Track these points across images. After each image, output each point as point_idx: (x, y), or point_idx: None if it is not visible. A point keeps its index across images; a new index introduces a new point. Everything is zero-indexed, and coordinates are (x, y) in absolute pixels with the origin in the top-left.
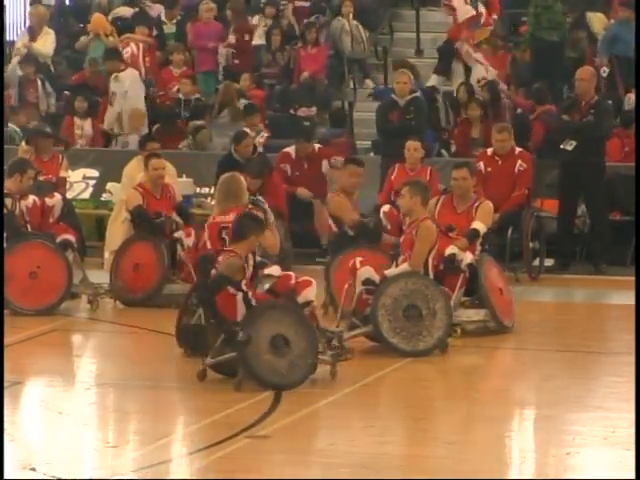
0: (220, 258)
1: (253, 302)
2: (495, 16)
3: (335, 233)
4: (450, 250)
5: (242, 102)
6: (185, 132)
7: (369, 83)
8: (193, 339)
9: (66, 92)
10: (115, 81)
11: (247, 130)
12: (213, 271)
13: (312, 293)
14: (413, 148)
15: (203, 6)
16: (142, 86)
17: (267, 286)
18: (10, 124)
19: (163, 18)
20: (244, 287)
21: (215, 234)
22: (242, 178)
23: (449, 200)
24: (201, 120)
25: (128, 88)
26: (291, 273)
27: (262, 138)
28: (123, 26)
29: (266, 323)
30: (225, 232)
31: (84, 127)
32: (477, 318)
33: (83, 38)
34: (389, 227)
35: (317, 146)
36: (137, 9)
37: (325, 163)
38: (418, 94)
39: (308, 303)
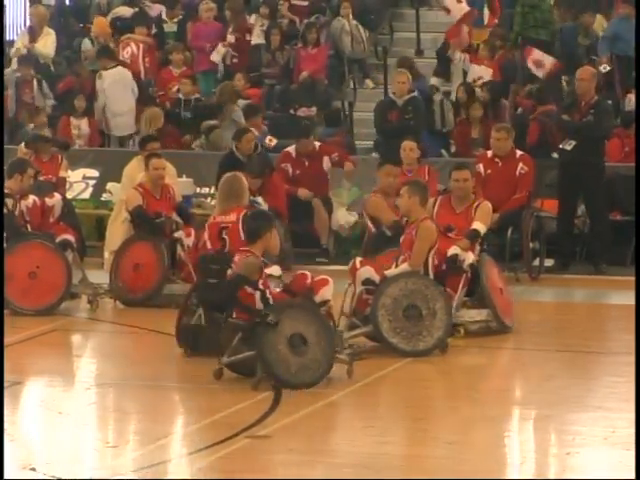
0: (236, 258)
1: (270, 301)
2: (496, 20)
3: (373, 233)
4: (452, 250)
5: (241, 102)
6: (195, 132)
7: (369, 83)
8: (193, 339)
9: (54, 101)
10: (98, 78)
11: (252, 129)
12: (229, 271)
13: (329, 292)
14: (409, 148)
15: (203, 6)
16: (131, 85)
17: (273, 285)
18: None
19: (164, 17)
20: (261, 286)
21: (215, 234)
22: (244, 178)
23: (447, 200)
24: (212, 120)
25: (107, 87)
26: (307, 272)
27: (271, 142)
28: (123, 26)
29: (285, 321)
30: (225, 232)
31: (81, 127)
32: (480, 318)
33: (85, 41)
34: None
35: (317, 144)
36: (137, 9)
37: (326, 160)
38: (416, 94)
39: (325, 302)
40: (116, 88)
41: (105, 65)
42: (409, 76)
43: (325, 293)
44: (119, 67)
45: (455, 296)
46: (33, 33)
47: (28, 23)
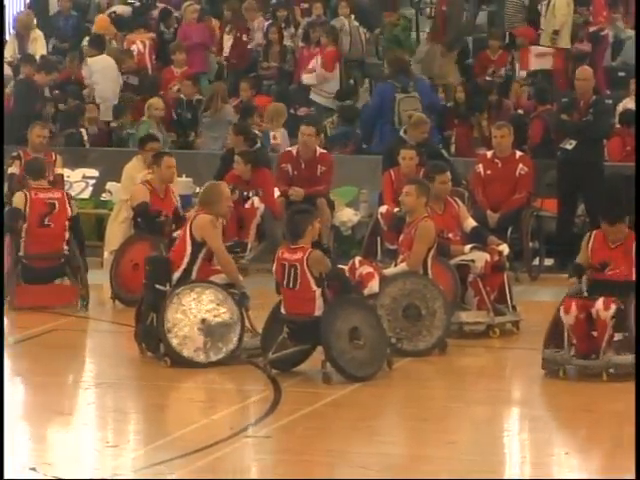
0: (299, 256)
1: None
2: None
3: None
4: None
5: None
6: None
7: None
8: (146, 339)
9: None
10: (84, 65)
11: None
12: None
13: (377, 285)
14: (409, 157)
15: (188, 7)
16: (115, 74)
17: None
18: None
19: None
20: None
21: (185, 228)
22: (224, 186)
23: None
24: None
25: (95, 72)
26: (343, 267)
27: (276, 139)
28: (121, 22)
29: (344, 315)
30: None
31: None
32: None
33: (86, 39)
34: (385, 228)
35: (320, 151)
36: (138, 4)
37: (320, 167)
38: (433, 141)
39: (373, 295)
40: (103, 74)
41: (92, 53)
42: (427, 128)
43: (373, 286)
44: (104, 55)
45: (492, 295)
46: (21, 39)
47: (14, 29)
